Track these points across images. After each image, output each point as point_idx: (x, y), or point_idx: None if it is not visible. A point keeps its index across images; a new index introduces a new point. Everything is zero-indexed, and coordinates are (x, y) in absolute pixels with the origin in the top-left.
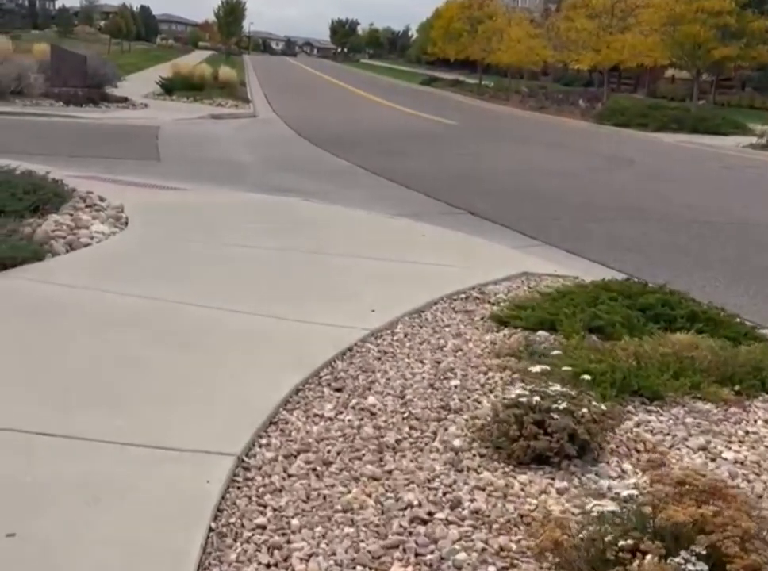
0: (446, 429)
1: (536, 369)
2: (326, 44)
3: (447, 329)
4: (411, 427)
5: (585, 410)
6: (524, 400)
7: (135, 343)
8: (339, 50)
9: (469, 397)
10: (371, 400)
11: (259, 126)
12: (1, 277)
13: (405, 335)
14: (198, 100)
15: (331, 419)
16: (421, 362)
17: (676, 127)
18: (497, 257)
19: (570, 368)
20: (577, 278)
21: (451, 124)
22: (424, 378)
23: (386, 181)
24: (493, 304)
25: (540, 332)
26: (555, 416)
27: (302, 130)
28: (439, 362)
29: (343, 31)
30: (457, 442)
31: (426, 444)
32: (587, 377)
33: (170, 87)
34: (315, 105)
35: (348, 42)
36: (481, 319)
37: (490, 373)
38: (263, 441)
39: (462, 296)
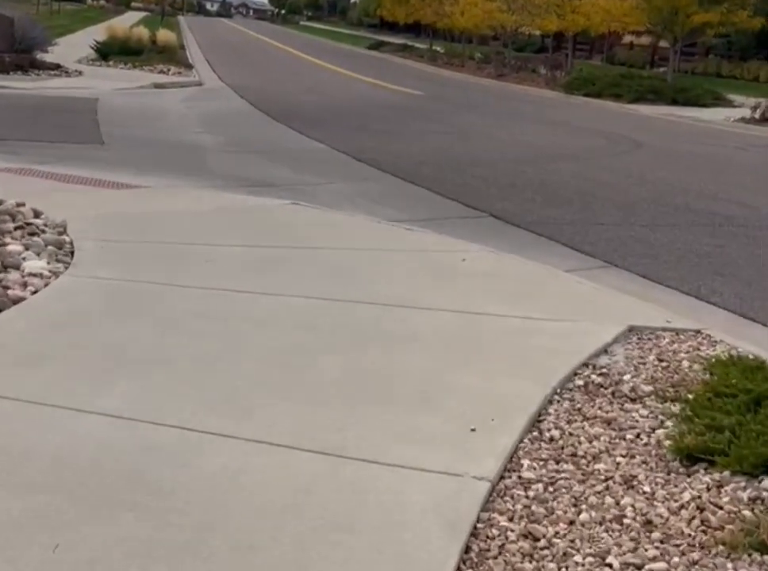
0: None
1: None
2: (263, 6)
3: (600, 467)
4: None
5: None
6: None
7: (110, 547)
8: (276, 12)
9: None
10: None
11: (209, 97)
12: None
13: (545, 487)
14: (137, 66)
15: None
16: (605, 561)
17: (653, 98)
18: (575, 296)
19: None
20: (699, 333)
21: (416, 95)
22: None
23: (374, 170)
24: (634, 401)
25: (766, 481)
26: None
27: (258, 102)
28: (640, 569)
29: None
30: None
31: None
32: None
33: (106, 52)
34: (264, 71)
35: (286, 3)
36: (638, 436)
37: None
38: None
39: (579, 382)
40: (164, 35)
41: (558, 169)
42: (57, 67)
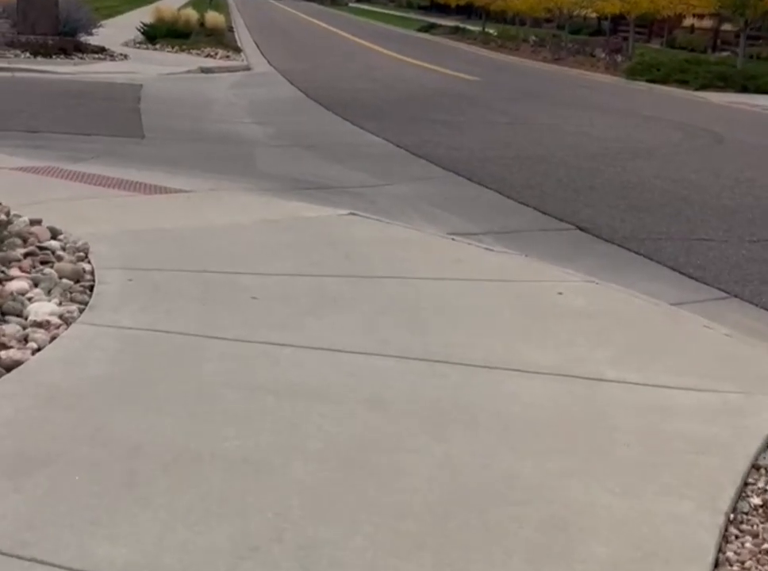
0: None
1: None
2: None
3: None
4: None
5: None
6: None
7: None
8: None
9: None
10: None
11: (257, 83)
12: None
13: None
14: (185, 49)
15: None
16: None
17: (722, 85)
18: (706, 347)
19: None
20: None
21: (471, 80)
22: None
23: (435, 167)
24: None
25: None
26: None
27: (308, 89)
28: None
29: None
30: None
31: None
32: None
33: (153, 34)
34: (313, 55)
35: None
36: None
37: None
38: None
39: (756, 501)
40: (212, 17)
41: (637, 167)
42: (102, 50)
